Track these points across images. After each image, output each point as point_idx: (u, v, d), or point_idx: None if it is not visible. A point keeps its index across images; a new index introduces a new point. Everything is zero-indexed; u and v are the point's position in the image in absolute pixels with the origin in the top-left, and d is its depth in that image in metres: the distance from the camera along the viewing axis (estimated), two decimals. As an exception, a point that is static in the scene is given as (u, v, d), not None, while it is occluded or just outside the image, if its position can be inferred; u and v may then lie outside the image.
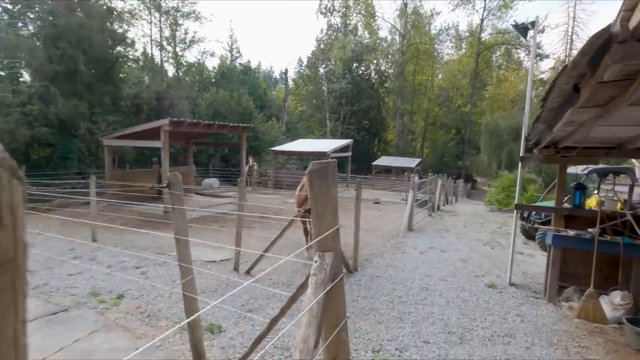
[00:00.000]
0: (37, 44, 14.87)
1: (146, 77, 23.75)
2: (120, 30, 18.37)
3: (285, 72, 37.71)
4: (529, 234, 9.01)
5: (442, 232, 9.75)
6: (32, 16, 15.43)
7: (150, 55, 32.50)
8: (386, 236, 8.88)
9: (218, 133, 14.32)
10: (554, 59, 36.75)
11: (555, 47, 41.58)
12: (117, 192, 12.91)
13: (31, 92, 15.25)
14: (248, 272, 5.52)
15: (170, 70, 36.32)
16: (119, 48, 18.87)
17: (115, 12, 18.85)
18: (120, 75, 18.17)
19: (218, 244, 5.94)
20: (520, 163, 5.00)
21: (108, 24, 17.59)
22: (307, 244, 6.52)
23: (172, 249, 7.11)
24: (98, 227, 9.24)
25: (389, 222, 10.63)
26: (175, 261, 6.49)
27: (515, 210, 5.14)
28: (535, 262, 6.97)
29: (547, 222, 8.25)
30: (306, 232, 6.54)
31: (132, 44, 20.04)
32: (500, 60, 42.71)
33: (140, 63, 26.85)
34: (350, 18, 44.68)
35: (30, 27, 15.31)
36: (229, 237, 8.02)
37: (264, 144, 26.05)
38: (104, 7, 17.62)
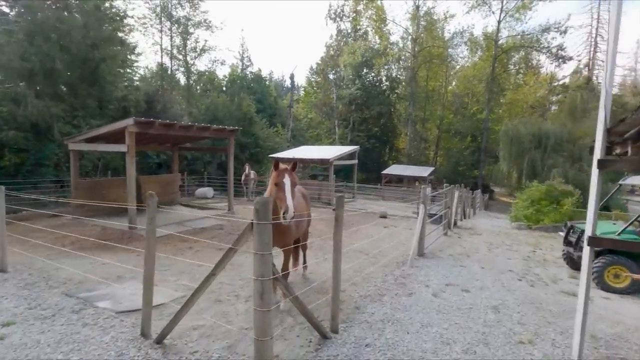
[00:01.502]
0: (10, 39, 13.60)
1: (140, 80, 22.42)
2: (109, 30, 17.02)
3: (292, 77, 36.39)
4: (577, 264, 6.94)
5: (462, 258, 7.75)
6: (6, 10, 14.22)
7: (161, 64, 31.92)
8: (390, 264, 6.95)
9: (199, 136, 12.66)
10: (578, 61, 34.33)
11: (578, 50, 39.06)
12: (83, 204, 11.36)
13: (4, 92, 13.94)
14: (160, 340, 3.66)
15: (182, 79, 35.86)
16: (114, 48, 17.59)
17: (104, 11, 17.59)
18: (108, 77, 16.75)
19: (173, 276, 4.13)
20: (597, 170, 3.05)
21: (94, 22, 16.30)
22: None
23: (99, 285, 5.35)
24: (28, 248, 7.61)
25: (397, 243, 8.68)
26: (87, 307, 4.73)
27: (588, 246, 3.16)
28: (601, 311, 4.94)
29: (602, 251, 6.20)
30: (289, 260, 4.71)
31: (124, 44, 18.73)
32: (519, 65, 40.41)
33: (141, 71, 25.95)
34: (361, 23, 43.22)
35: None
36: (187, 266, 6.22)
37: (265, 150, 24.41)
38: (92, 4, 16.33)
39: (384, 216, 13.23)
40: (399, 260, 7.29)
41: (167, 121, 10.03)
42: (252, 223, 2.66)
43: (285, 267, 4.48)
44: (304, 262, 6.00)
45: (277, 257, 4.82)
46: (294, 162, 3.94)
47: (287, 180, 3.69)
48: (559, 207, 11.52)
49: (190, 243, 8.49)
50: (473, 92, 41.98)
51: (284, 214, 3.49)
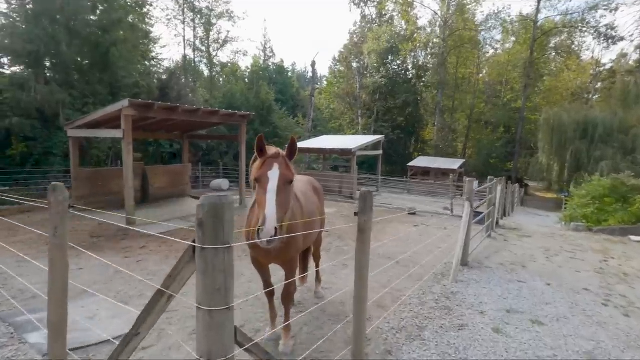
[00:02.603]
0: (14, 20, 12.90)
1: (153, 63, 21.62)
2: (119, 13, 16.12)
3: (313, 64, 34.80)
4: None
5: (516, 268, 6.21)
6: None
7: (184, 56, 31.77)
8: (426, 276, 5.52)
9: (208, 122, 11.53)
10: (631, 41, 30.94)
11: (629, 30, 35.32)
12: (83, 195, 10.52)
13: (10, 78, 13.32)
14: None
15: (205, 71, 35.61)
16: (124, 32, 16.75)
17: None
18: (119, 62, 15.92)
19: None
20: None
21: (103, 4, 15.47)
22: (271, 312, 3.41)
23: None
24: (11, 244, 6.68)
25: (430, 246, 7.22)
26: (11, 342, 3.47)
27: None
28: None
29: None
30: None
31: (135, 28, 17.87)
32: (560, 48, 37.09)
33: (165, 63, 25.46)
34: (386, 7, 41.00)
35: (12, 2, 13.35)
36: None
37: (284, 140, 23.20)
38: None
39: (412, 213, 11.72)
40: (436, 270, 5.86)
41: (169, 104, 8.91)
42: (192, 247, 1.36)
43: (288, 288, 3.17)
44: (317, 275, 4.68)
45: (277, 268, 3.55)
46: (291, 143, 2.57)
47: (273, 174, 2.37)
48: (628, 206, 9.62)
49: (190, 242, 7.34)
50: (507, 80, 39.11)
51: (258, 231, 2.17)
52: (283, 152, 2.57)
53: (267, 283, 3.30)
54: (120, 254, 6.45)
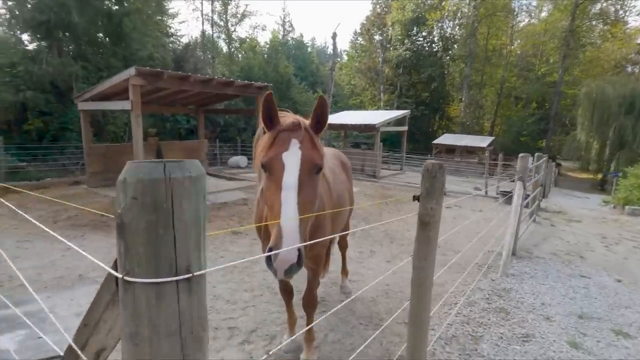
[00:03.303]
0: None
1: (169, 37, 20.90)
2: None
3: (334, 37, 33.12)
4: None
5: (573, 259, 5.33)
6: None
7: (203, 31, 31.00)
8: (468, 267, 4.73)
9: (223, 94, 10.81)
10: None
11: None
12: (97, 171, 10.15)
13: (23, 51, 12.92)
14: None
15: (224, 47, 34.80)
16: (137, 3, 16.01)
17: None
18: (132, 34, 15.26)
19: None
20: None
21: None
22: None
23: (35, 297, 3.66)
24: (16, 223, 6.35)
25: (467, 231, 6.41)
26: None
27: None
28: None
29: None
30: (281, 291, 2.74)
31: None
32: (605, 15, 33.82)
33: (184, 39, 24.74)
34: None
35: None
36: None
37: (303, 116, 22.34)
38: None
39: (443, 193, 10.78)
40: (479, 260, 5.06)
41: (179, 73, 8.20)
42: (116, 280, 0.65)
43: (311, 291, 2.47)
44: (343, 267, 3.98)
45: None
46: (321, 104, 1.67)
47: (292, 157, 1.58)
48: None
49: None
50: (543, 51, 36.30)
51: (269, 251, 1.38)
52: (306, 122, 1.75)
53: (286, 284, 2.61)
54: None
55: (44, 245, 5.17)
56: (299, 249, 1.37)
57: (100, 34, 15.38)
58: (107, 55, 15.15)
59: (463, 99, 34.72)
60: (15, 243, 5.25)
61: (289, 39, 39.44)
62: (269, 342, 2.83)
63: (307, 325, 2.59)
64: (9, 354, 2.50)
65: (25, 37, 13.51)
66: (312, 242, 1.62)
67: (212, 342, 2.77)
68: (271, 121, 1.67)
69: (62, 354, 2.54)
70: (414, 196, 1.65)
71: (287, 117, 1.77)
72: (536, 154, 7.33)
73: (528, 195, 7.16)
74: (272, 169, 1.56)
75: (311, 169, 1.58)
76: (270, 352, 2.65)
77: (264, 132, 1.74)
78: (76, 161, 13.22)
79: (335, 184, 2.49)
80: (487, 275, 4.52)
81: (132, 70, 7.34)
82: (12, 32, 13.11)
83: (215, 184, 10.93)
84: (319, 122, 1.72)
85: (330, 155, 3.05)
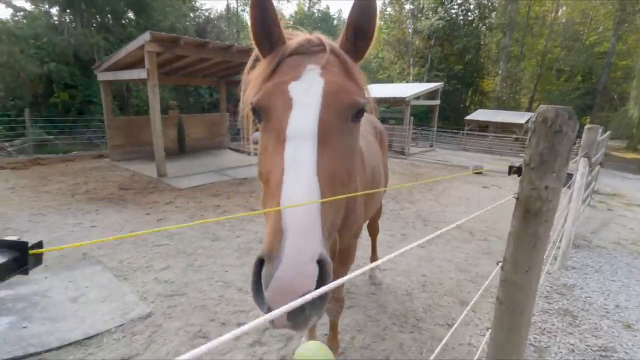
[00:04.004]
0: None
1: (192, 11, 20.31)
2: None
3: (361, 6, 31.41)
4: None
5: (643, 251, 4.53)
6: None
7: (227, 5, 30.23)
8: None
9: (244, 63, 10.19)
10: None
11: None
12: (118, 144, 9.97)
13: (47, 21, 12.76)
14: None
15: (248, 20, 34.00)
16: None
17: None
18: (153, 4, 14.79)
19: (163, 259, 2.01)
20: None
21: None
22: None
23: (34, 278, 3.33)
24: (37, 195, 6.22)
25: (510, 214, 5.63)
26: None
27: None
28: None
29: None
30: None
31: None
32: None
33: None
34: None
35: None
36: (194, 241, 4.01)
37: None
38: None
39: (479, 171, 9.93)
40: (530, 249, 4.36)
41: (197, 38, 7.66)
42: None
43: (337, 291, 1.94)
44: (373, 254, 3.43)
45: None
46: (361, 5, 0.99)
47: (307, 89, 0.94)
48: None
49: (220, 199, 6.43)
50: (592, 18, 32.98)
51: (257, 278, 0.77)
52: (332, 42, 1.11)
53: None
54: (143, 209, 5.67)
55: (55, 220, 4.94)
56: (322, 265, 0.74)
57: (122, 4, 15.00)
58: (129, 26, 14.82)
59: (500, 72, 32.49)
60: (28, 216, 5.05)
61: (315, 10, 38.12)
62: (284, 345, 2.37)
63: (331, 330, 2.09)
64: (-16, 348, 2.17)
65: (46, 7, 13.31)
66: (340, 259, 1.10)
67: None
68: (269, 40, 1.05)
69: (42, 350, 2.19)
70: (510, 167, 1.05)
71: (297, 34, 1.13)
72: (600, 128, 6.34)
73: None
74: (271, 111, 0.95)
75: (343, 109, 0.95)
76: (285, 357, 2.19)
77: (260, 59, 1.11)
78: (101, 134, 13.21)
79: (369, 155, 1.90)
80: (545, 274, 3.86)
81: (146, 36, 6.87)
82: (35, 4, 12.95)
83: (236, 159, 10.56)
84: (360, 37, 1.06)
85: (362, 119, 2.45)
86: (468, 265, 3.86)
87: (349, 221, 1.53)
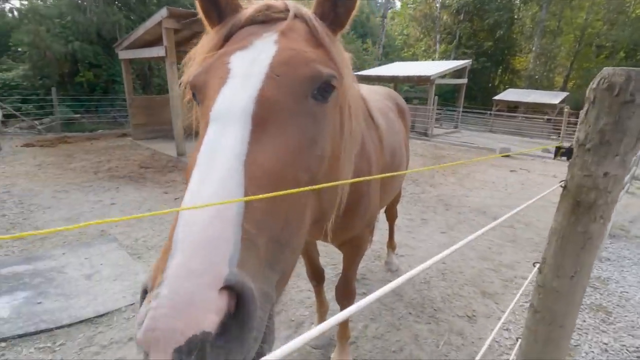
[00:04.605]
0: None
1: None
2: None
3: (386, -21, 30.09)
4: None
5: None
6: None
7: None
8: (544, 245, 3.81)
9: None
10: None
11: None
12: (140, 123, 10.09)
13: (71, 0, 12.85)
14: None
15: None
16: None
17: None
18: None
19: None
20: None
21: None
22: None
23: (53, 252, 3.39)
24: (62, 172, 6.38)
25: (543, 199, 5.32)
26: None
27: None
28: None
29: None
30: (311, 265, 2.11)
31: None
32: None
33: None
34: None
35: None
36: None
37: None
38: None
39: (506, 154, 9.44)
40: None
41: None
42: None
43: (347, 281, 1.80)
44: (390, 239, 3.28)
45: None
46: None
47: (252, 57, 0.75)
48: None
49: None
50: (642, -13, 30.27)
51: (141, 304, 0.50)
52: (302, 8, 0.89)
53: (313, 263, 1.98)
54: (161, 188, 5.71)
55: (77, 197, 5.04)
56: (237, 294, 0.50)
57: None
58: (150, 3, 14.73)
59: (533, 48, 30.65)
60: (52, 193, 5.18)
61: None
62: (294, 331, 2.30)
63: (342, 319, 1.98)
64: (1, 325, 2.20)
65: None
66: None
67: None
68: (217, 6, 0.88)
69: (54, 327, 2.20)
70: (558, 148, 0.86)
71: (255, 4, 0.89)
72: None
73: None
74: (205, 89, 0.76)
75: (299, 83, 0.74)
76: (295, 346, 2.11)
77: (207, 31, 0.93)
78: (125, 114, 13.45)
79: (389, 134, 1.72)
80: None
81: (164, 12, 6.75)
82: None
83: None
84: (339, 2, 0.87)
85: (382, 95, 2.25)
86: (491, 254, 3.66)
87: (360, 208, 1.38)
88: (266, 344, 0.55)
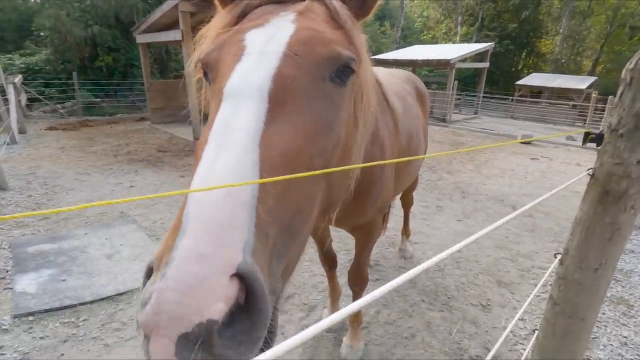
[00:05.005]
0: None
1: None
2: None
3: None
4: None
5: None
6: None
7: None
8: (566, 234, 3.72)
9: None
10: None
11: None
12: (158, 107, 10.21)
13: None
14: None
15: None
16: None
17: None
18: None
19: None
20: None
21: None
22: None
23: (75, 231, 3.52)
24: (83, 155, 6.54)
25: (565, 189, 5.16)
26: None
27: None
28: None
29: None
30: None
31: None
32: None
33: None
34: None
35: None
36: None
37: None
38: None
39: (527, 141, 9.17)
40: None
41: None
42: None
43: (360, 266, 1.80)
44: (405, 226, 3.25)
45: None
46: None
47: (268, 35, 0.72)
48: None
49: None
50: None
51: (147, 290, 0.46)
52: None
53: (325, 248, 1.98)
54: (178, 172, 5.81)
55: (98, 179, 5.18)
56: (247, 283, 0.47)
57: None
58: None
59: (561, 30, 29.26)
60: (74, 175, 5.34)
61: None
62: (306, 315, 2.32)
63: (355, 309, 1.99)
64: (26, 297, 2.31)
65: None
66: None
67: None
68: None
69: (77, 303, 2.29)
70: (587, 133, 0.82)
71: None
72: None
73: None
74: (218, 66, 0.73)
75: (317, 63, 0.71)
76: (306, 328, 2.15)
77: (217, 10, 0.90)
78: (143, 98, 13.64)
79: (406, 118, 1.67)
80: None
81: (179, -6, 6.71)
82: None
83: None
84: None
85: (401, 78, 2.18)
86: (508, 243, 3.59)
87: (372, 194, 1.35)
88: (270, 338, 0.53)
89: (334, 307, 2.20)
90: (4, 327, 2.12)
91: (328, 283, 2.19)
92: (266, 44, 0.70)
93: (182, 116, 10.31)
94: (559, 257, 0.85)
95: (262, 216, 0.53)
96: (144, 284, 0.50)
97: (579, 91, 20.53)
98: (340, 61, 0.73)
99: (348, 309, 0.40)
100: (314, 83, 0.70)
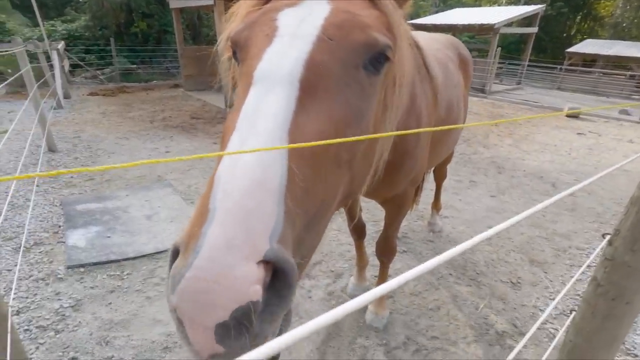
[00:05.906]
0: None
1: None
2: None
3: None
4: None
5: None
6: None
7: None
8: (608, 214, 3.56)
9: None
10: None
11: None
12: (191, 74, 10.32)
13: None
14: None
15: None
16: None
17: None
18: None
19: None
20: None
21: None
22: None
23: (117, 193, 3.75)
24: (122, 120, 6.80)
25: (608, 167, 4.82)
26: (52, 242, 2.78)
27: None
28: None
29: None
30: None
31: None
32: None
33: None
34: None
35: None
36: None
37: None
38: None
39: (573, 115, 8.55)
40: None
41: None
42: None
43: (388, 238, 1.81)
44: (436, 200, 3.19)
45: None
46: None
47: (301, 17, 0.69)
48: None
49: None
50: None
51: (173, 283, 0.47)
52: None
53: (355, 218, 1.99)
54: (211, 139, 5.95)
55: (136, 144, 5.41)
56: (275, 270, 0.49)
57: None
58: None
59: (625, -10, 26.20)
60: (114, 139, 5.60)
61: None
62: (333, 281, 2.39)
63: (380, 275, 2.01)
64: (77, 251, 2.51)
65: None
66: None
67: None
68: None
69: (121, 258, 2.48)
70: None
71: None
72: None
73: None
74: (248, 47, 0.72)
75: (352, 50, 0.68)
76: (332, 294, 2.21)
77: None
78: (177, 64, 13.83)
79: (446, 87, 1.59)
80: (639, 232, 3.29)
81: (212, -46, 6.56)
82: None
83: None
84: None
85: (443, 43, 2.06)
86: (545, 222, 3.45)
87: (405, 166, 1.32)
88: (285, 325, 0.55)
89: (361, 276, 2.24)
90: (59, 276, 2.34)
91: (355, 252, 2.23)
92: (299, 26, 0.68)
93: (214, 84, 10.40)
94: (607, 237, 0.80)
95: (289, 205, 0.53)
96: (171, 264, 0.51)
97: (639, 60, 18.62)
98: (376, 48, 0.70)
99: (381, 288, 0.40)
100: (347, 70, 0.67)
